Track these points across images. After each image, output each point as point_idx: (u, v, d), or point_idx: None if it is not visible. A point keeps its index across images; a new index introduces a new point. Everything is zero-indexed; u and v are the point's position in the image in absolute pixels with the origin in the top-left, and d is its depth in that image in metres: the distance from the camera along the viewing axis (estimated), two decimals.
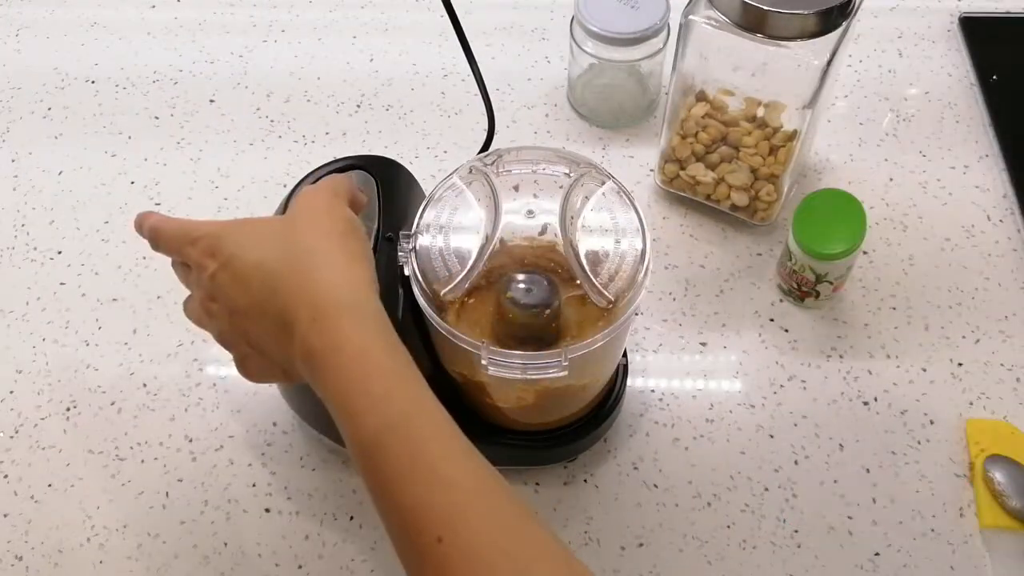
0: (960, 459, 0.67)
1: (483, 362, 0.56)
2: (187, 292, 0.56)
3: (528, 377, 0.58)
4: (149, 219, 0.55)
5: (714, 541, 0.64)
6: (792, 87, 0.69)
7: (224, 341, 0.53)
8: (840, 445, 0.68)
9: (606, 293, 0.66)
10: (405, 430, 0.44)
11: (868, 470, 0.67)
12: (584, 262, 0.66)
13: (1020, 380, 0.71)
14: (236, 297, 0.50)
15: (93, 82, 0.92)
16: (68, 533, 0.65)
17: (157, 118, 0.88)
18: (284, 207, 0.58)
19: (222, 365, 0.72)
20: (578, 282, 0.66)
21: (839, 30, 0.66)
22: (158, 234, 0.54)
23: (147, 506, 0.66)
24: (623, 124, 0.86)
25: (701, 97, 0.75)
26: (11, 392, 0.71)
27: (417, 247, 0.57)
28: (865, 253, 0.77)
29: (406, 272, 0.57)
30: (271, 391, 0.70)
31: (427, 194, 0.60)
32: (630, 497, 0.66)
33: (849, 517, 0.64)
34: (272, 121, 0.88)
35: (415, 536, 0.42)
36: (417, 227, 0.58)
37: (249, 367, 0.52)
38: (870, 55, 0.91)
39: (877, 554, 0.63)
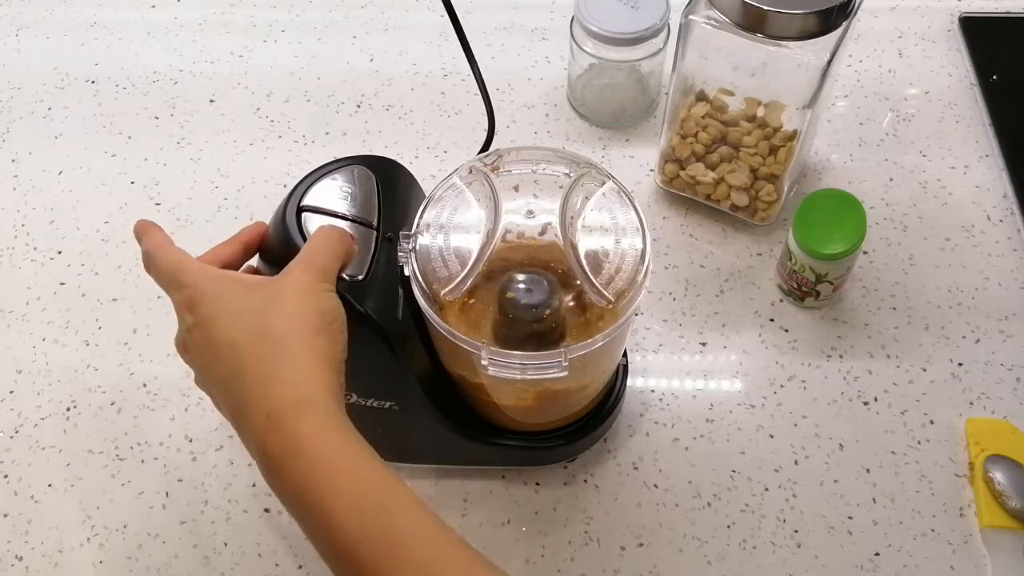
0: (960, 459, 0.67)
1: (483, 362, 0.56)
2: None
3: (528, 377, 0.57)
4: (147, 238, 0.54)
5: (714, 541, 0.64)
6: (792, 87, 0.69)
7: (197, 383, 0.54)
8: (840, 445, 0.68)
9: (606, 293, 0.66)
10: (386, 525, 0.43)
11: (868, 470, 0.67)
12: (584, 262, 0.66)
13: (1020, 380, 0.71)
14: (205, 362, 0.50)
15: (93, 82, 0.92)
16: (68, 533, 0.65)
17: (157, 118, 0.88)
18: (284, 207, 0.58)
19: None
20: (578, 282, 0.66)
21: (839, 30, 0.66)
22: (150, 261, 0.53)
23: (147, 506, 0.66)
24: (623, 124, 0.86)
25: (701, 97, 0.75)
26: (11, 392, 0.71)
27: (417, 247, 0.57)
28: (865, 253, 0.77)
29: (406, 272, 0.57)
30: None
31: (427, 194, 0.60)
32: (630, 497, 0.66)
33: (849, 517, 0.64)
34: (272, 121, 0.88)
35: None
36: (417, 227, 0.58)
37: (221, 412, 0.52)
38: (870, 55, 0.91)
39: (877, 554, 0.63)
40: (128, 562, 0.64)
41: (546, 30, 0.94)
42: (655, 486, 0.66)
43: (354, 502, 0.44)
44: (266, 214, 0.60)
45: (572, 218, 0.60)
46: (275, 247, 0.58)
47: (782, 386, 0.71)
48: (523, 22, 0.95)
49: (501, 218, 0.57)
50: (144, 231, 0.55)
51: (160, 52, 0.94)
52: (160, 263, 0.52)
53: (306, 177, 0.59)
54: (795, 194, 0.80)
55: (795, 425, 0.69)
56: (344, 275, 0.55)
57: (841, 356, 0.72)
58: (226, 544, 0.64)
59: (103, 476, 0.67)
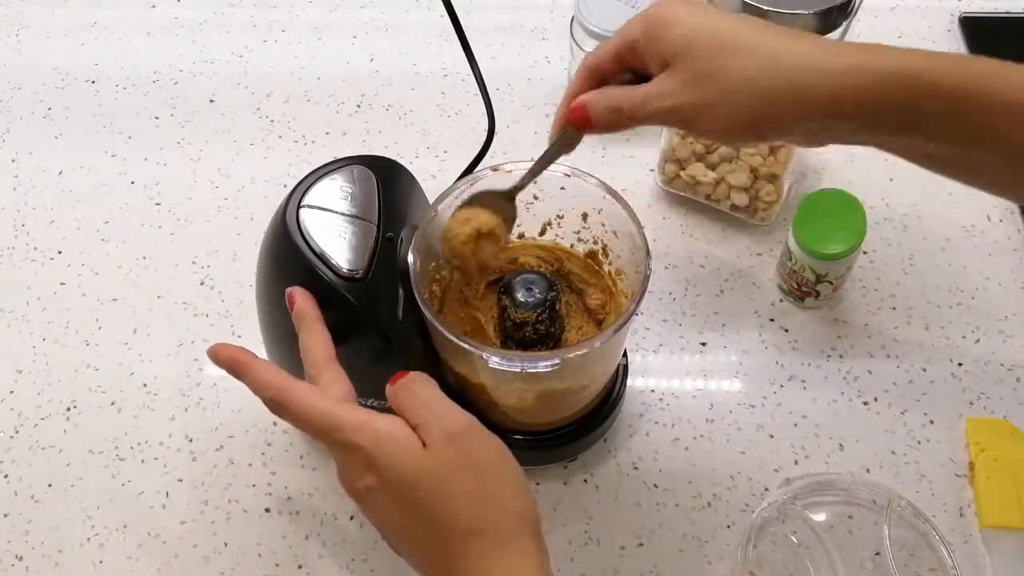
0: (960, 459, 0.67)
1: (483, 362, 0.56)
2: None
3: (528, 377, 0.58)
4: (257, 377, 0.50)
5: (714, 541, 0.64)
6: None
7: (386, 539, 0.51)
8: (840, 445, 0.68)
9: (606, 293, 0.66)
10: None
11: (868, 470, 0.67)
12: (584, 262, 0.67)
13: (1020, 380, 0.71)
14: (398, 523, 0.48)
15: (93, 82, 0.92)
16: (68, 533, 0.65)
17: (157, 118, 0.89)
18: (284, 207, 0.58)
19: None
20: (578, 282, 0.66)
21: (839, 30, 0.66)
22: (284, 411, 0.49)
23: (147, 506, 0.66)
24: None
25: None
26: (11, 392, 0.71)
27: (419, 247, 0.57)
28: (865, 253, 0.77)
29: (408, 265, 0.57)
30: None
31: (427, 194, 0.60)
32: (630, 497, 0.66)
33: (849, 517, 0.64)
34: (272, 121, 0.88)
35: None
36: (419, 228, 0.58)
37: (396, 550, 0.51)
38: None
39: (877, 554, 0.63)
40: (128, 562, 0.64)
41: (546, 30, 0.94)
42: (655, 486, 0.66)
43: None
44: (266, 214, 0.60)
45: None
46: (276, 247, 0.58)
47: (782, 386, 0.71)
48: (523, 22, 0.95)
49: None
50: (239, 366, 0.51)
51: (160, 52, 0.94)
52: (305, 417, 0.49)
53: (306, 177, 0.59)
54: (795, 194, 0.80)
55: (795, 425, 0.69)
56: (344, 271, 0.55)
57: (841, 356, 0.72)
58: (226, 544, 0.64)
59: (103, 476, 0.67)
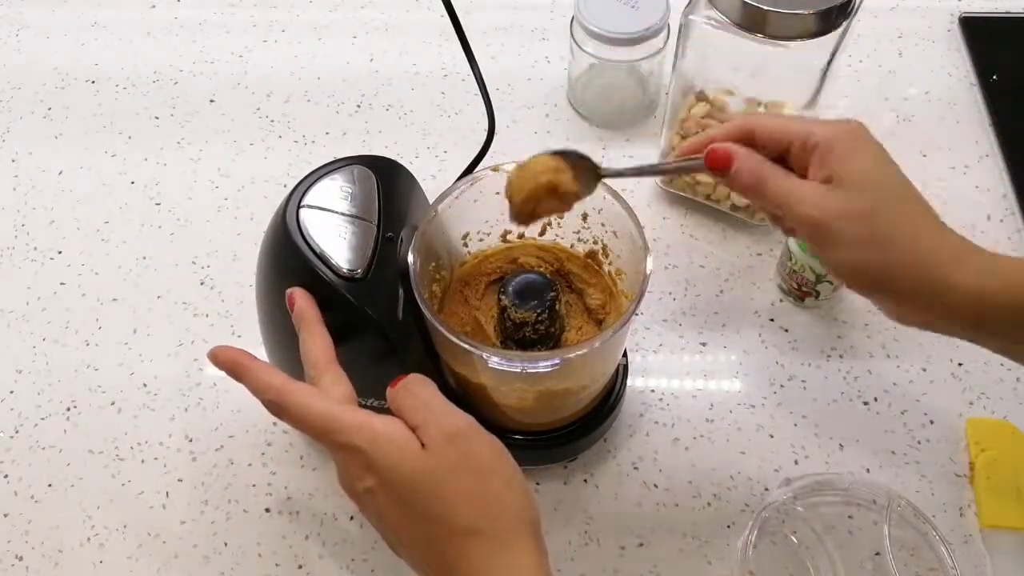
0: (960, 459, 0.67)
1: (483, 363, 0.56)
2: None
3: (528, 377, 0.58)
4: (255, 379, 0.51)
5: (714, 541, 0.64)
6: (792, 87, 0.69)
7: (386, 539, 0.51)
8: (840, 445, 0.68)
9: (606, 293, 0.66)
10: None
11: (868, 470, 0.67)
12: (584, 262, 0.67)
13: (1020, 380, 0.71)
14: (397, 522, 0.48)
15: (93, 82, 0.92)
16: (68, 533, 0.65)
17: (157, 118, 0.88)
18: (284, 207, 0.58)
19: None
20: (578, 282, 0.66)
21: (839, 30, 0.66)
22: (282, 412, 0.50)
23: (147, 506, 0.66)
24: (623, 124, 0.86)
25: (701, 97, 0.75)
26: (11, 392, 0.71)
27: (419, 247, 0.57)
28: None
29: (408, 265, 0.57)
30: None
31: (427, 194, 0.60)
32: (630, 497, 0.66)
33: (849, 517, 0.64)
34: (272, 121, 0.88)
35: None
36: (419, 228, 0.58)
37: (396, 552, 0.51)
38: (870, 55, 0.91)
39: (877, 554, 0.63)
40: (128, 562, 0.64)
41: (546, 30, 0.94)
42: (655, 486, 0.66)
43: None
44: (266, 214, 0.60)
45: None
46: (276, 247, 0.58)
47: (782, 386, 0.71)
48: (523, 22, 0.95)
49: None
50: (239, 368, 0.52)
51: (160, 52, 0.94)
52: (304, 418, 0.49)
53: (306, 177, 0.59)
54: None
55: (795, 425, 0.69)
56: (344, 271, 0.55)
57: (841, 356, 0.72)
58: (226, 544, 0.64)
59: (103, 476, 0.67)
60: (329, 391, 0.50)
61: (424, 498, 0.46)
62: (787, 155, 0.50)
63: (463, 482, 0.46)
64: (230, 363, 0.52)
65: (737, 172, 0.50)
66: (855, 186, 0.47)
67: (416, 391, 0.49)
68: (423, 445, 0.47)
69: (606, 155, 0.83)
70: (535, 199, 0.52)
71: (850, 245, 0.47)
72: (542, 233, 0.67)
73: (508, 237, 0.66)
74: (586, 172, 0.54)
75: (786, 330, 0.73)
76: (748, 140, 0.51)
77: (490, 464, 0.48)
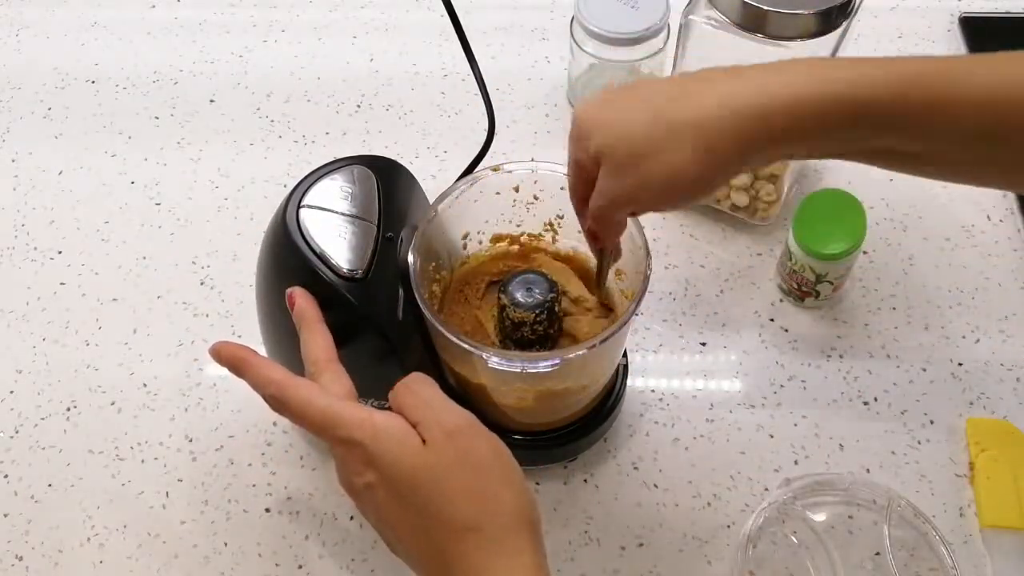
0: (960, 459, 0.67)
1: (483, 363, 0.56)
2: None
3: (528, 377, 0.58)
4: (256, 374, 0.51)
5: (714, 541, 0.64)
6: None
7: (385, 538, 0.51)
8: (840, 445, 0.68)
9: (606, 293, 0.66)
10: None
11: (868, 470, 0.67)
12: (584, 262, 0.67)
13: (1020, 380, 0.71)
14: (397, 518, 0.48)
15: (93, 82, 0.92)
16: (68, 533, 0.65)
17: (157, 118, 0.88)
18: (284, 207, 0.58)
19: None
20: (578, 282, 0.66)
21: (839, 30, 0.66)
22: (284, 407, 0.50)
23: (147, 506, 0.66)
24: None
25: None
26: (11, 392, 0.71)
27: (419, 247, 0.57)
28: (865, 253, 0.77)
29: (408, 265, 0.57)
30: None
31: (427, 194, 0.60)
32: (630, 497, 0.66)
33: (849, 517, 0.64)
34: (272, 121, 0.88)
35: None
36: (419, 228, 0.58)
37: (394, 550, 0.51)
38: (870, 55, 0.90)
39: (877, 554, 0.63)
40: (128, 562, 0.64)
41: (546, 30, 0.94)
42: (655, 486, 0.66)
43: None
44: (266, 214, 0.60)
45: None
46: (276, 247, 0.58)
47: (782, 386, 0.71)
48: (523, 22, 0.95)
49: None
50: (241, 363, 0.51)
51: (160, 52, 0.94)
52: (305, 413, 0.49)
53: (306, 177, 0.59)
54: (795, 194, 0.80)
55: (795, 425, 0.69)
56: (344, 271, 0.55)
57: (841, 356, 0.72)
58: (226, 544, 0.64)
59: (103, 476, 0.67)
60: (330, 388, 0.50)
61: (423, 494, 0.46)
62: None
63: (463, 479, 0.46)
64: (232, 358, 0.52)
65: (601, 235, 0.55)
66: (604, 156, 0.50)
67: (417, 389, 0.49)
68: (423, 441, 0.47)
69: None
70: None
71: (649, 190, 0.49)
72: (543, 233, 0.67)
73: (522, 240, 0.66)
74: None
75: (786, 330, 0.73)
76: (588, 193, 0.53)
77: (490, 461, 0.48)
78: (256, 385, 0.51)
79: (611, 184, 0.50)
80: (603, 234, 0.55)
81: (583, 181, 0.52)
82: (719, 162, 0.48)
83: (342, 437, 0.47)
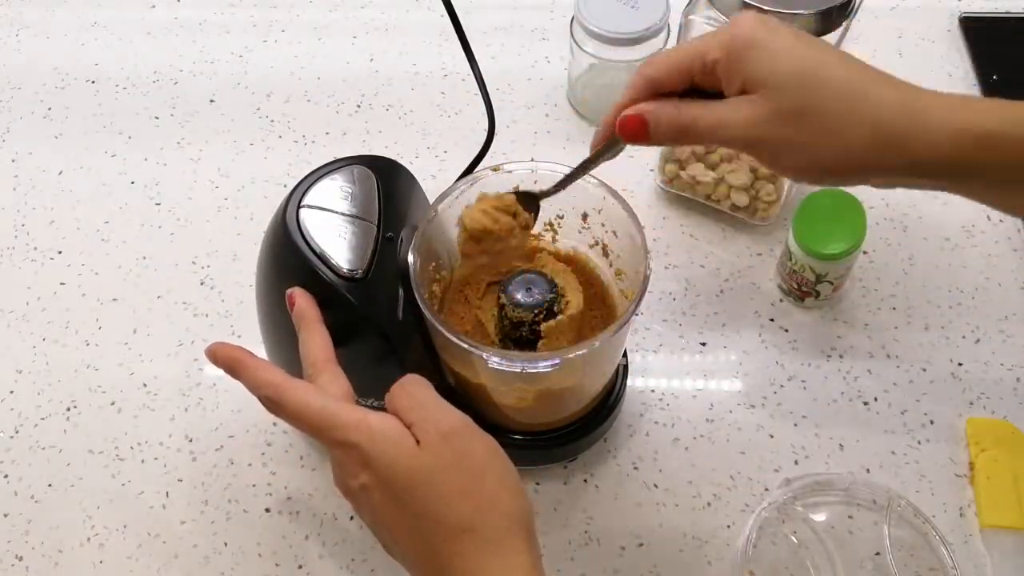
0: (960, 459, 0.67)
1: (483, 363, 0.56)
2: None
3: (528, 377, 0.58)
4: (251, 375, 0.50)
5: (714, 541, 0.64)
6: None
7: (381, 539, 0.51)
8: (840, 445, 0.68)
9: (606, 293, 0.66)
10: None
11: (868, 470, 0.67)
12: (585, 262, 0.67)
13: (1020, 380, 0.71)
14: (392, 519, 0.48)
15: (93, 82, 0.92)
16: (68, 533, 0.65)
17: (157, 118, 0.89)
18: (284, 207, 0.58)
19: None
20: (578, 282, 0.66)
21: (839, 30, 0.66)
22: (280, 409, 0.49)
23: (147, 506, 0.66)
24: None
25: None
26: (11, 392, 0.71)
27: (419, 247, 0.57)
28: (865, 253, 0.77)
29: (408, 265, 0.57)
30: None
31: (427, 194, 0.60)
32: (630, 497, 0.66)
33: (849, 517, 0.64)
34: (272, 121, 0.88)
35: None
36: (419, 228, 0.58)
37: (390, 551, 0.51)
38: (870, 55, 0.90)
39: (877, 554, 0.63)
40: (128, 562, 0.64)
41: (546, 30, 0.94)
42: (655, 486, 0.66)
43: None
44: (266, 214, 0.60)
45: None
46: (276, 247, 0.58)
47: (782, 386, 0.71)
48: (523, 22, 0.95)
49: None
50: (236, 364, 0.51)
51: (160, 52, 0.94)
52: (301, 415, 0.49)
53: (306, 177, 0.59)
54: (795, 194, 0.80)
55: (795, 425, 0.69)
56: (344, 271, 0.55)
57: (841, 356, 0.72)
58: (226, 544, 0.64)
59: (103, 476, 0.67)
60: (327, 388, 0.50)
61: (419, 495, 0.46)
62: (697, 82, 0.48)
63: (457, 480, 0.46)
64: (228, 359, 0.52)
65: (656, 130, 0.48)
66: (772, 87, 0.45)
67: (412, 390, 0.49)
68: (418, 442, 0.47)
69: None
70: (475, 246, 0.56)
71: (793, 150, 0.46)
72: (542, 233, 0.67)
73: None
74: (524, 203, 0.56)
75: (786, 330, 0.73)
76: (655, 89, 0.48)
77: (485, 463, 0.48)
78: (251, 386, 0.51)
79: (761, 123, 0.45)
80: (656, 137, 0.48)
81: (688, 75, 0.47)
82: (890, 166, 0.46)
83: (338, 439, 0.47)
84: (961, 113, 0.46)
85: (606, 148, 0.52)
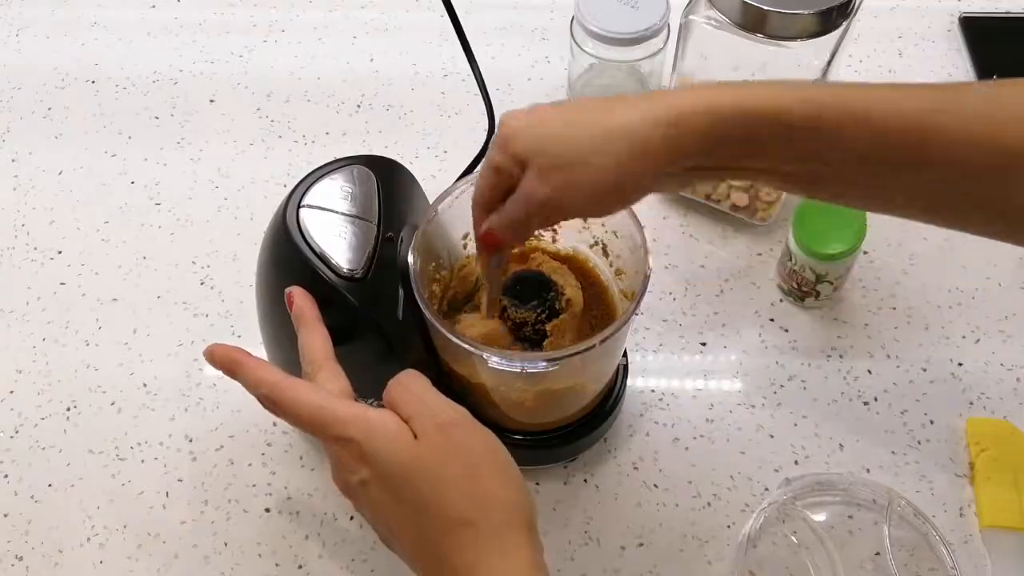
0: (960, 459, 0.67)
1: (483, 363, 0.56)
2: None
3: (528, 377, 0.58)
4: (249, 375, 0.51)
5: (714, 541, 0.64)
6: None
7: (378, 533, 0.51)
8: (840, 445, 0.68)
9: (605, 293, 0.66)
10: None
11: (868, 470, 0.67)
12: (585, 262, 0.67)
13: (1020, 380, 0.71)
14: (391, 514, 0.48)
15: (93, 82, 0.92)
16: (68, 533, 0.65)
17: (157, 118, 0.89)
18: (284, 207, 0.58)
19: None
20: (578, 282, 0.66)
21: (839, 30, 0.66)
22: (277, 407, 0.50)
23: (147, 506, 0.66)
24: None
25: None
26: (11, 392, 0.71)
27: (419, 247, 0.57)
28: (865, 253, 0.77)
29: (408, 265, 0.57)
30: None
31: (427, 194, 0.60)
32: (630, 497, 0.66)
33: (849, 517, 0.64)
34: (272, 121, 0.88)
35: None
36: (419, 228, 0.58)
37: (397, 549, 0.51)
38: (870, 55, 0.91)
39: (877, 554, 0.63)
40: (128, 562, 0.64)
41: (546, 30, 0.94)
42: (655, 486, 0.66)
43: None
44: (266, 214, 0.60)
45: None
46: (276, 247, 0.58)
47: (782, 386, 0.71)
48: (523, 22, 0.95)
49: None
50: (234, 364, 0.52)
51: (160, 52, 0.94)
52: (298, 413, 0.49)
53: (306, 177, 0.59)
54: None
55: (795, 425, 0.69)
56: (344, 271, 0.55)
57: (841, 356, 0.72)
58: (226, 544, 0.64)
59: (103, 476, 0.67)
60: (325, 386, 0.50)
61: (417, 488, 0.46)
62: (514, 185, 0.51)
63: (455, 472, 0.46)
64: (226, 360, 0.52)
65: (504, 235, 0.52)
66: (532, 157, 0.49)
67: (409, 384, 0.50)
68: (416, 436, 0.47)
69: None
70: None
71: (572, 191, 0.48)
72: (542, 233, 0.67)
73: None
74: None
75: (786, 330, 0.73)
76: (489, 210, 0.52)
77: (483, 455, 0.48)
78: (249, 386, 0.51)
79: (537, 187, 0.49)
80: (507, 240, 0.53)
81: (497, 187, 0.51)
82: (646, 168, 0.48)
83: (336, 435, 0.47)
84: (688, 98, 0.48)
85: (492, 265, 0.57)
